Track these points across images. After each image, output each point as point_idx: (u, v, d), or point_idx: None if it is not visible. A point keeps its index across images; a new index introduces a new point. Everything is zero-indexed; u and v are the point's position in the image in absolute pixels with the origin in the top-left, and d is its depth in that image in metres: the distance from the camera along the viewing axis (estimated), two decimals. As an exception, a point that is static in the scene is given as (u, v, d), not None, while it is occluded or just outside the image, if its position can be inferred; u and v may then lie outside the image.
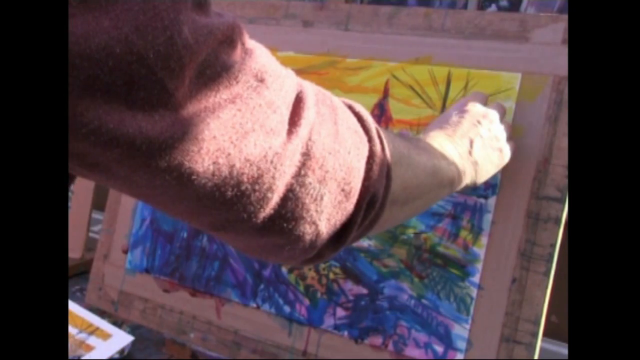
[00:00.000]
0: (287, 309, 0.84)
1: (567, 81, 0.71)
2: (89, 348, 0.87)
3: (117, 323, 0.94)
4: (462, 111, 0.65)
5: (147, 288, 0.94)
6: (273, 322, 0.85)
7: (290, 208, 0.39)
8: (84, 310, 0.93)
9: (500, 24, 0.76)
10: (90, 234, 1.23)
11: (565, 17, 0.73)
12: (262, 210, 0.38)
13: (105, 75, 0.30)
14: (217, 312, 0.88)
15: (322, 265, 0.82)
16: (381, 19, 0.83)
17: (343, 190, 0.41)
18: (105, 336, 0.89)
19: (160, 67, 0.31)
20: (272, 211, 0.39)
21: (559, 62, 0.72)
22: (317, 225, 0.41)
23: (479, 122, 0.64)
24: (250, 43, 0.38)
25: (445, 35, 0.79)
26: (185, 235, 0.92)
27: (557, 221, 0.70)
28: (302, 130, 0.39)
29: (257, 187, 0.37)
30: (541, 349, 0.71)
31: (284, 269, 0.85)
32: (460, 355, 0.73)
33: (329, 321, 0.81)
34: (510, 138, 0.69)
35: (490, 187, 0.74)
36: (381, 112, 0.81)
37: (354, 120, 0.44)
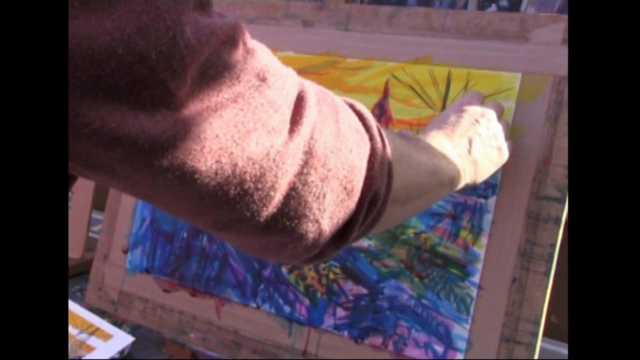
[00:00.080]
0: (287, 309, 0.84)
1: (567, 81, 0.71)
2: (90, 348, 0.87)
3: (117, 323, 0.94)
4: (460, 111, 0.66)
5: (147, 288, 0.94)
6: (273, 322, 0.85)
7: (293, 206, 0.39)
8: (84, 310, 0.93)
9: (500, 24, 0.76)
10: (90, 234, 1.23)
11: (565, 17, 0.73)
12: (265, 208, 0.38)
13: (107, 75, 0.30)
14: (217, 312, 0.88)
15: (322, 265, 0.82)
16: (381, 19, 0.83)
17: (345, 188, 0.42)
18: (106, 337, 0.89)
19: (163, 67, 0.31)
20: (274, 210, 0.39)
21: (559, 62, 0.72)
22: (319, 224, 0.41)
23: (477, 121, 0.65)
24: (252, 43, 0.38)
25: (445, 35, 0.79)
26: (185, 235, 0.92)
27: (557, 221, 0.70)
28: (304, 129, 0.39)
29: (259, 185, 0.37)
30: (541, 349, 0.71)
31: (284, 269, 0.85)
32: (460, 355, 0.74)
33: (329, 321, 0.81)
34: (508, 136, 0.70)
35: (490, 187, 0.74)
36: (381, 112, 0.81)
37: (355, 118, 0.44)
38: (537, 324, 0.70)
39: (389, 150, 0.45)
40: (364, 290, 0.80)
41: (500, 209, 0.73)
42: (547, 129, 0.72)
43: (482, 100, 0.71)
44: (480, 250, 0.74)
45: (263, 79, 0.37)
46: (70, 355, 0.86)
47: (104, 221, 0.99)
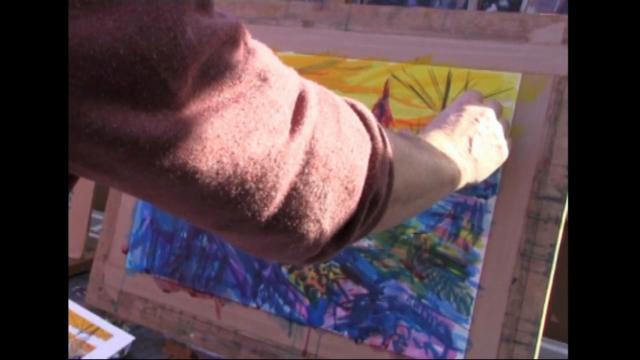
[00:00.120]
0: (287, 309, 0.84)
1: (567, 81, 0.71)
2: (90, 348, 0.87)
3: (117, 323, 0.94)
4: (459, 110, 0.66)
5: (147, 288, 0.94)
6: (273, 322, 0.85)
7: (294, 206, 0.39)
8: (84, 310, 0.93)
9: (500, 24, 0.76)
10: (90, 234, 1.23)
11: (565, 17, 0.73)
12: (266, 208, 0.38)
13: (109, 76, 0.30)
14: (217, 312, 0.88)
15: (322, 265, 0.82)
16: (381, 19, 0.83)
17: (346, 188, 0.42)
18: (106, 336, 0.89)
19: (164, 67, 0.31)
20: (276, 210, 0.39)
21: (559, 62, 0.72)
22: (321, 224, 0.41)
23: (476, 119, 0.65)
24: (253, 43, 0.38)
25: (445, 35, 0.79)
26: (185, 235, 0.92)
27: (557, 221, 0.70)
28: (305, 129, 0.39)
29: (261, 185, 0.37)
30: (541, 349, 0.71)
31: (284, 269, 0.85)
32: (460, 355, 0.74)
33: (329, 321, 0.81)
34: (507, 135, 0.70)
35: (490, 187, 0.74)
36: (381, 112, 0.81)
37: (356, 118, 0.44)
38: (537, 324, 0.70)
39: (390, 149, 0.45)
40: (364, 290, 0.80)
41: (500, 209, 0.73)
42: (547, 129, 0.72)
43: (480, 99, 0.71)
44: (480, 250, 0.74)
45: (264, 79, 0.37)
46: (71, 354, 0.86)
47: (104, 221, 0.99)
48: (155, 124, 0.32)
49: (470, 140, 0.63)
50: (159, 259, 0.93)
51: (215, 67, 0.34)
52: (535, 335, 0.70)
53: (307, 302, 0.83)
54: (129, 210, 0.96)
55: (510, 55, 0.75)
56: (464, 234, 0.75)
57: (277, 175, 0.38)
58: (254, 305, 0.86)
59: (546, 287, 0.70)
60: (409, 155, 0.50)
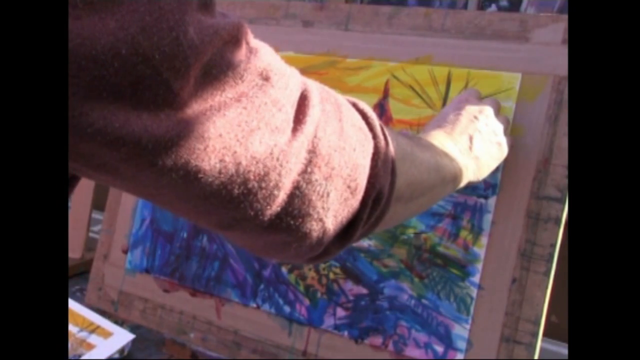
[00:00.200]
0: (287, 309, 0.84)
1: (567, 81, 0.71)
2: (90, 346, 0.87)
3: (118, 323, 0.95)
4: (458, 109, 0.66)
5: (147, 288, 0.94)
6: (273, 322, 0.85)
7: (297, 205, 0.39)
8: (84, 308, 0.93)
9: (500, 24, 0.76)
10: (90, 234, 1.23)
11: (565, 17, 0.73)
12: (269, 207, 0.38)
13: (111, 76, 0.30)
14: (217, 312, 0.88)
15: (322, 265, 0.82)
16: (381, 19, 0.83)
17: (349, 187, 0.42)
18: (106, 334, 0.89)
19: (166, 67, 0.31)
20: (278, 208, 0.39)
21: (559, 62, 0.72)
22: (323, 222, 0.41)
23: (475, 117, 0.65)
24: (255, 42, 0.38)
25: (445, 35, 0.79)
26: (185, 235, 0.92)
27: (557, 221, 0.70)
28: (308, 128, 0.39)
29: (263, 184, 0.37)
30: (541, 349, 0.71)
31: (284, 269, 0.85)
32: (460, 355, 0.74)
33: (329, 321, 0.81)
34: (508, 133, 0.70)
35: (490, 187, 0.74)
36: (381, 112, 0.81)
37: (358, 117, 0.44)
38: (537, 324, 0.70)
39: (392, 148, 0.45)
40: (364, 290, 0.80)
41: (500, 209, 0.73)
42: (547, 128, 0.72)
43: (479, 97, 0.72)
44: (480, 250, 0.74)
45: (266, 78, 0.37)
46: (71, 353, 0.86)
47: (104, 221, 0.99)
48: (157, 123, 0.32)
49: (471, 138, 0.63)
50: (159, 259, 0.93)
51: (218, 66, 0.34)
52: (535, 335, 0.70)
53: (307, 302, 0.83)
54: (129, 210, 0.96)
55: (510, 55, 0.75)
56: (464, 234, 0.75)
57: (279, 174, 0.38)
58: (254, 305, 0.86)
59: (546, 287, 0.70)
60: (410, 153, 0.51)
